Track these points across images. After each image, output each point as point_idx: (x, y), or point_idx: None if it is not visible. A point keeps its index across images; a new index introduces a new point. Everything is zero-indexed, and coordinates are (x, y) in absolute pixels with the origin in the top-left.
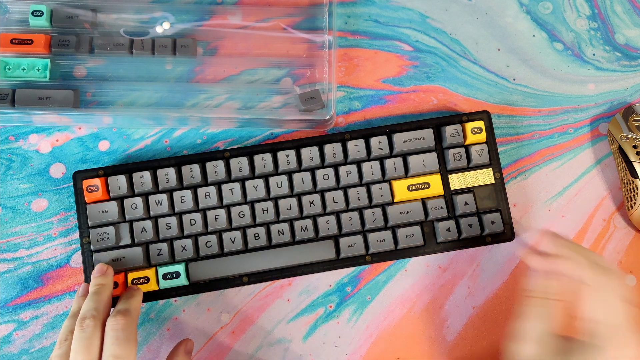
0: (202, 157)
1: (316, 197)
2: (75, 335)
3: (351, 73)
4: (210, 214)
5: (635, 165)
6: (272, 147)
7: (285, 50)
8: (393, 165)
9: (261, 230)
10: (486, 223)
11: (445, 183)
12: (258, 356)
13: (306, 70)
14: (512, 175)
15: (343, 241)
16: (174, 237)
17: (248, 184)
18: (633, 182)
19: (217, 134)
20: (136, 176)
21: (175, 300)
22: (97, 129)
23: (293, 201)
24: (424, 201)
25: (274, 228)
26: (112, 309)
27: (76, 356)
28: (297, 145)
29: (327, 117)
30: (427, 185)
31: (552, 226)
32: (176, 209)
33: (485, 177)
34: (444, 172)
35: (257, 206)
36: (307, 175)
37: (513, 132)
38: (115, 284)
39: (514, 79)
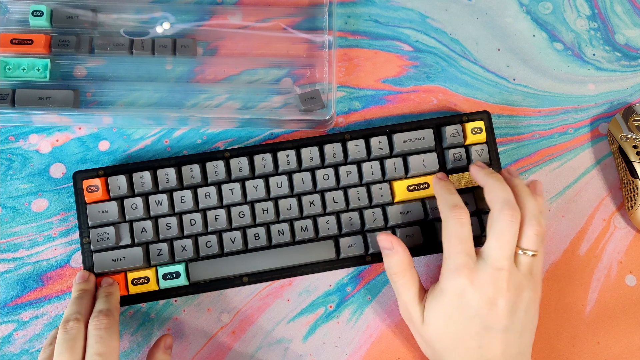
0: (202, 157)
1: (316, 197)
2: (59, 338)
3: (351, 73)
4: (210, 214)
5: (635, 165)
6: (272, 147)
7: (285, 50)
8: (393, 165)
9: (261, 230)
10: (486, 223)
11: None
12: (258, 356)
13: (306, 70)
14: None
15: (343, 241)
16: (174, 237)
17: (248, 184)
18: (633, 182)
19: (217, 134)
20: (136, 176)
21: (176, 300)
22: (97, 129)
23: (293, 201)
24: (423, 201)
25: (274, 228)
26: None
27: (60, 357)
28: (297, 145)
29: (327, 117)
30: (427, 186)
31: (552, 226)
32: (176, 209)
33: None
34: (444, 172)
35: (257, 206)
36: (307, 176)
37: (513, 132)
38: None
39: (514, 79)
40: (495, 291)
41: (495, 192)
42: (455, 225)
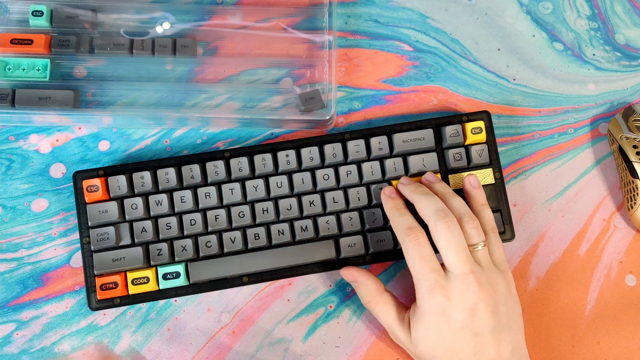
0: (202, 157)
1: (316, 197)
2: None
3: (351, 73)
4: (210, 214)
5: (635, 165)
6: (272, 147)
7: (285, 50)
8: (393, 165)
9: (261, 230)
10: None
11: (445, 183)
12: (258, 356)
13: (306, 70)
14: (512, 176)
15: (343, 241)
16: (174, 237)
17: (248, 184)
18: (633, 182)
19: (217, 134)
20: (136, 176)
21: (176, 300)
22: (97, 129)
23: (293, 201)
24: None
25: (274, 228)
26: None
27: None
28: (297, 145)
29: (327, 117)
30: None
31: (552, 226)
32: (176, 209)
33: (486, 177)
34: (444, 172)
35: (257, 206)
36: (307, 175)
37: (513, 132)
38: (115, 284)
39: (514, 79)
40: (472, 297)
41: (424, 206)
42: (415, 247)
